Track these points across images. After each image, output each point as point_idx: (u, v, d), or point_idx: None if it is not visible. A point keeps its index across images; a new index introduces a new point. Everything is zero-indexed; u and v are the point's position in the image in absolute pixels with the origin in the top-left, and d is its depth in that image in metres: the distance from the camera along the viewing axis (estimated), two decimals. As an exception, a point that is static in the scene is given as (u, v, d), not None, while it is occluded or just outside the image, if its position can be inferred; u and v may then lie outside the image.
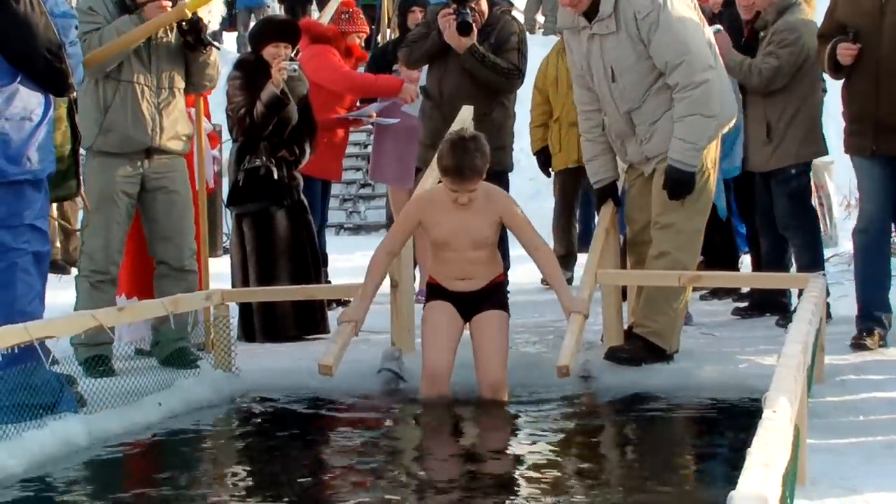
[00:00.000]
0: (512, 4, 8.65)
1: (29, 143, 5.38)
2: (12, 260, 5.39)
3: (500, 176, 7.81)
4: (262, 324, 7.78)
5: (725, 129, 6.53)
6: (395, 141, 9.46)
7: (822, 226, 7.86)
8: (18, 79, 5.34)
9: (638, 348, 6.26)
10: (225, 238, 12.83)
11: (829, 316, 7.12)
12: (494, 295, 6.03)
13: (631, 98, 6.28)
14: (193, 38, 6.72)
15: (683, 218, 6.28)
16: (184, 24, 6.69)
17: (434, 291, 6.06)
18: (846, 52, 6.56)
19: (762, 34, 7.56)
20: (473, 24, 7.79)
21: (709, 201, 6.42)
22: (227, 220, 11.16)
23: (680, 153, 6.16)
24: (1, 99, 5.29)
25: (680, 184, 6.19)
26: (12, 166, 5.34)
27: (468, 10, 7.80)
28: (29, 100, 5.39)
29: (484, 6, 7.98)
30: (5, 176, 5.33)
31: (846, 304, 8.27)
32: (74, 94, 5.71)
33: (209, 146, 8.11)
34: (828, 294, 6.91)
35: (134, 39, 6.51)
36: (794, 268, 7.84)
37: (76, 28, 5.55)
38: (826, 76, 7.46)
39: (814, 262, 7.54)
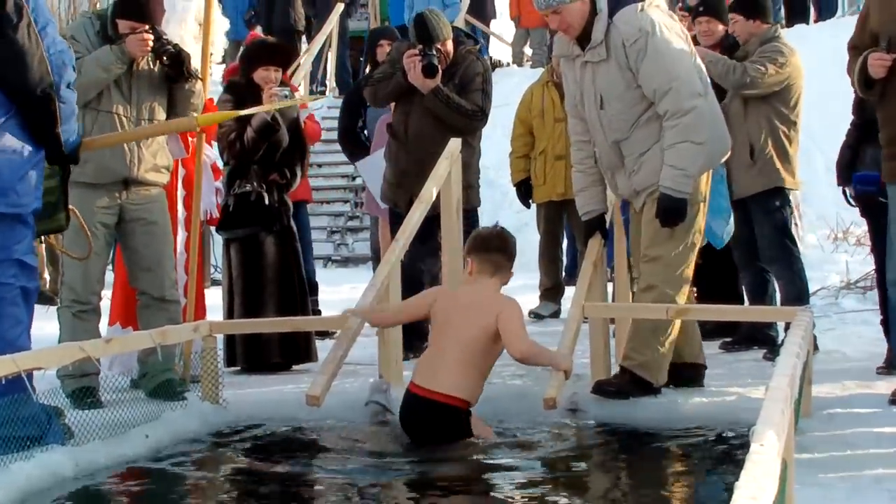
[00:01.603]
0: (477, 43, 8.64)
1: (19, 178, 5.35)
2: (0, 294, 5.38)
3: (469, 214, 7.84)
4: (246, 349, 7.78)
5: (720, 162, 6.56)
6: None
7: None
8: (11, 112, 5.33)
9: (625, 382, 6.25)
10: (213, 269, 12.82)
11: (815, 348, 7.13)
12: None
13: (619, 128, 6.28)
14: (175, 71, 6.73)
15: (671, 251, 6.28)
16: (165, 57, 6.70)
17: None
18: (879, 62, 5.89)
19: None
20: (438, 66, 7.80)
21: (699, 235, 6.41)
22: (215, 252, 11.17)
23: (671, 180, 6.15)
24: None
25: (672, 211, 6.17)
26: (1, 199, 5.33)
27: (434, 52, 7.79)
28: (21, 134, 5.36)
29: (449, 47, 7.96)
30: None
31: (832, 336, 8.30)
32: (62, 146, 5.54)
33: (213, 177, 8.09)
34: (813, 326, 6.90)
35: (137, 137, 6.60)
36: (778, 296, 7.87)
37: (73, 69, 5.53)
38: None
39: (800, 294, 7.57)
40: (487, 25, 19.87)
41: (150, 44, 6.60)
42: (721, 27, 8.13)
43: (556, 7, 6.22)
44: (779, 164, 7.60)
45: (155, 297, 6.78)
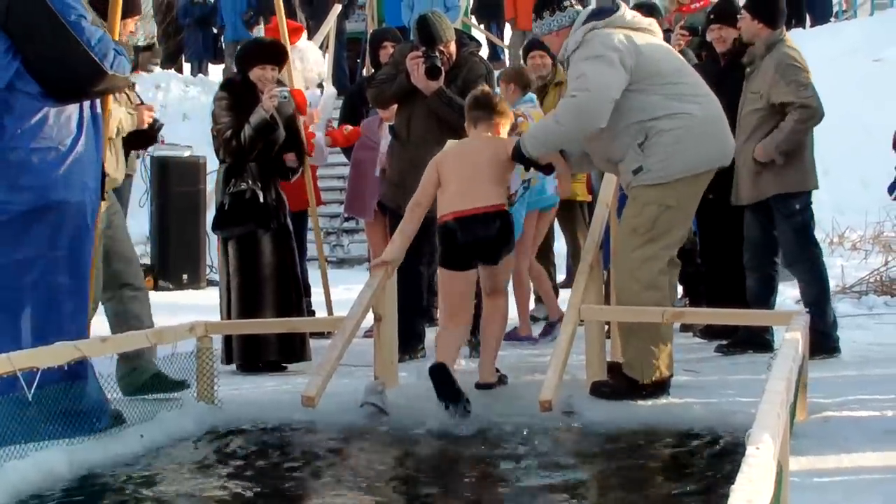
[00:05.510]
0: (480, 45, 8.68)
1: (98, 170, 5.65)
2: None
3: None
4: (243, 347, 7.77)
5: (702, 170, 6.45)
6: (362, 176, 9.45)
7: None
8: (88, 109, 5.56)
9: (617, 382, 6.33)
10: (209, 269, 12.82)
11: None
12: None
13: (593, 136, 6.32)
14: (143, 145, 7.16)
15: (629, 247, 6.29)
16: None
17: None
18: None
19: (749, 69, 7.66)
20: (441, 68, 7.82)
21: (666, 235, 6.28)
22: (211, 253, 11.17)
23: (527, 135, 6.42)
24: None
25: (517, 154, 6.42)
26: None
27: (437, 54, 7.82)
28: (95, 129, 5.62)
29: (452, 49, 7.99)
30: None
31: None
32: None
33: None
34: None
35: None
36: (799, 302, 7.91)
37: (116, 52, 5.60)
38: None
39: (820, 294, 7.60)
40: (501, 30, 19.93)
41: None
42: (734, 33, 8.16)
43: (557, 31, 6.34)
44: (802, 167, 7.62)
45: (137, 287, 6.80)
